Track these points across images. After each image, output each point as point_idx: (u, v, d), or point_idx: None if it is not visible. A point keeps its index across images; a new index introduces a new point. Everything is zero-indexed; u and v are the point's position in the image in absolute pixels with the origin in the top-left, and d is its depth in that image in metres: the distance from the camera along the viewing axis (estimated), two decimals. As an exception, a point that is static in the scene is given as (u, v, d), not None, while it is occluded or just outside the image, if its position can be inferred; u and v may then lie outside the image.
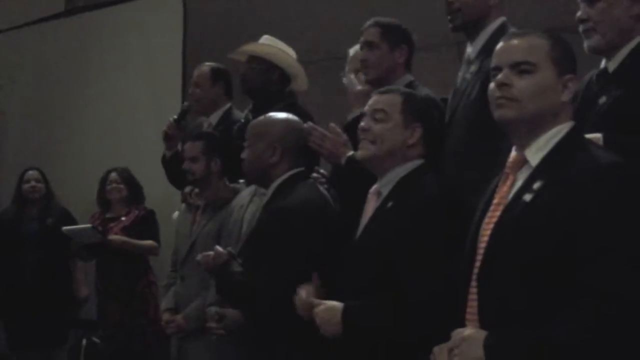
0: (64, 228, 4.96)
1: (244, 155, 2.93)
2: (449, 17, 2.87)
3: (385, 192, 2.45)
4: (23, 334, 5.16)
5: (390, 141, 2.44)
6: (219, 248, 2.91)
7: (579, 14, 2.45)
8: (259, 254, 2.73)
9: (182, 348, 3.75)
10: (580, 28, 2.45)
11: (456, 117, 2.76)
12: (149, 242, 5.01)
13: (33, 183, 5.31)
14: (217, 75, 4.32)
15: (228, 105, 4.33)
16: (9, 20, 6.77)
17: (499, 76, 1.97)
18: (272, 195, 2.84)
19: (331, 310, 2.36)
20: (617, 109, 2.29)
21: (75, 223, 5.30)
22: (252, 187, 3.41)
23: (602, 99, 2.34)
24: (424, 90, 3.13)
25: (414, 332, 2.22)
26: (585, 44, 2.43)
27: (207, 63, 4.40)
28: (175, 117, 4.26)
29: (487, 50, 2.62)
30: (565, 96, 1.96)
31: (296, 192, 2.75)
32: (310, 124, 2.96)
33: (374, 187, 2.50)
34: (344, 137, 2.89)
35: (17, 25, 6.71)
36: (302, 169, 2.87)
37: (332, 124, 2.93)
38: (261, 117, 2.98)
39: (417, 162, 2.47)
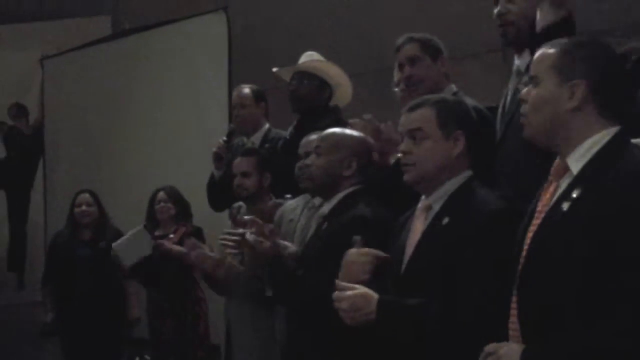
0: (113, 245, 5.00)
1: (311, 162, 2.91)
2: (501, 30, 2.77)
3: (437, 207, 2.34)
4: (79, 354, 5.21)
5: (435, 160, 2.32)
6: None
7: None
8: (326, 260, 2.55)
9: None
10: None
11: (512, 127, 2.63)
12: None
13: (84, 207, 5.33)
14: (258, 96, 4.42)
15: (267, 125, 4.41)
16: (56, 45, 6.91)
17: (523, 91, 2.00)
18: (336, 206, 2.82)
19: (366, 298, 2.24)
20: None
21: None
22: (301, 200, 3.40)
23: None
24: (467, 100, 3.11)
25: (446, 347, 2.15)
26: None
27: (246, 85, 4.49)
28: (225, 138, 4.33)
29: None
30: (572, 103, 1.93)
31: (362, 205, 2.69)
32: (369, 116, 2.92)
33: (423, 203, 2.40)
34: (398, 138, 2.75)
35: (64, 50, 6.84)
36: (365, 185, 2.83)
37: (389, 122, 2.84)
38: (336, 130, 2.94)
39: (466, 174, 2.37)
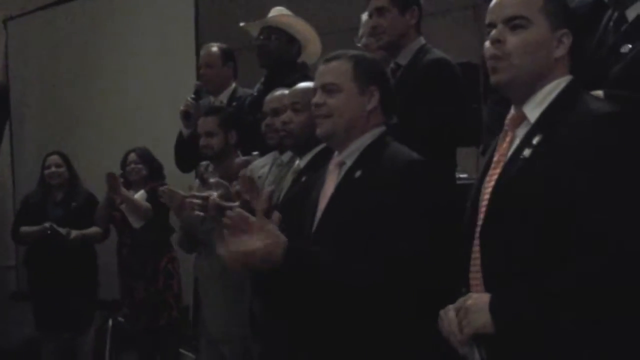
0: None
1: (289, 119, 2.87)
2: None
3: (349, 162, 2.33)
4: (50, 316, 5.21)
5: (348, 112, 2.31)
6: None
7: None
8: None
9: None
10: None
11: None
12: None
13: (53, 169, 5.31)
14: (226, 55, 4.38)
15: (234, 84, 4.39)
16: (20, 6, 6.78)
17: (493, 32, 1.93)
18: (312, 159, 2.83)
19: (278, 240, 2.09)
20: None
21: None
22: (268, 158, 3.38)
23: (625, 48, 2.20)
24: (436, 53, 3.09)
25: (404, 287, 2.13)
26: None
27: (214, 44, 4.44)
28: (193, 95, 4.28)
29: None
30: (560, 51, 1.92)
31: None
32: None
33: (335, 159, 2.38)
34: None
35: (29, 10, 6.70)
36: None
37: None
38: (310, 85, 2.86)
39: (380, 130, 2.36)
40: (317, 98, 2.34)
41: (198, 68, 5.16)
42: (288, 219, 2.55)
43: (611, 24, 2.30)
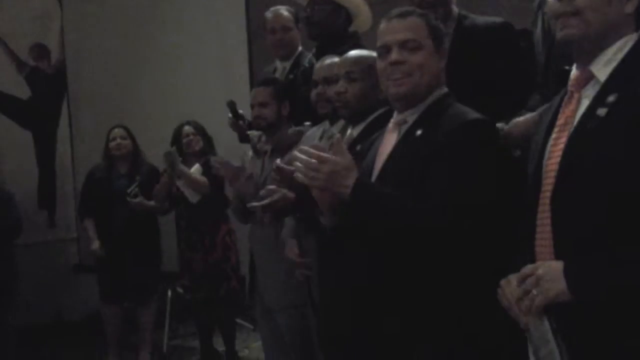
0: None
1: (344, 88, 2.84)
2: None
3: (410, 120, 2.27)
4: (115, 286, 5.31)
5: (429, 70, 2.24)
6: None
7: None
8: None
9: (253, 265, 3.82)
10: None
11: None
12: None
13: (119, 140, 5.40)
14: (296, 18, 4.26)
15: (300, 48, 4.28)
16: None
17: None
18: (365, 127, 2.79)
19: (349, 170, 2.09)
20: None
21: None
22: (319, 129, 3.38)
23: None
24: (478, 18, 3.06)
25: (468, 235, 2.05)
26: None
27: (280, 7, 4.30)
28: (230, 115, 4.25)
29: None
30: (629, 7, 1.86)
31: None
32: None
33: (396, 117, 2.32)
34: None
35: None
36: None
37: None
38: (363, 53, 2.87)
39: (443, 90, 2.32)
40: (396, 55, 2.23)
41: (250, 41, 5.19)
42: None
43: None
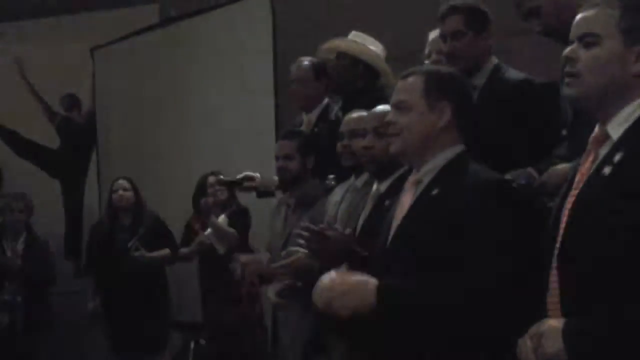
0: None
1: (372, 143, 2.88)
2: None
3: (426, 180, 2.26)
4: (125, 338, 5.32)
5: (417, 130, 2.25)
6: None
7: None
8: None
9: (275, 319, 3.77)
10: None
11: None
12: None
13: (121, 192, 5.44)
14: (318, 70, 4.22)
15: (326, 100, 4.26)
16: (104, 36, 6.98)
17: (566, 50, 1.93)
18: (393, 183, 2.80)
19: (364, 283, 2.11)
20: None
21: (168, 230, 5.49)
22: (345, 184, 3.37)
23: None
24: (512, 72, 3.04)
25: (478, 320, 2.05)
26: None
27: (306, 57, 4.30)
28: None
29: None
30: (636, 68, 1.85)
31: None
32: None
33: (412, 177, 2.33)
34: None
35: (112, 40, 6.90)
36: None
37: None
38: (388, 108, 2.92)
39: (457, 148, 2.29)
40: (390, 116, 2.32)
41: (276, 92, 5.21)
42: (371, 244, 2.54)
43: None
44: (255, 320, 5.05)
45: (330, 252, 2.63)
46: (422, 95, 2.26)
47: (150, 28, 6.78)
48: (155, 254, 5.31)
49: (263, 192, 4.23)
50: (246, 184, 4.15)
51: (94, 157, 7.12)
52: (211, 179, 5.21)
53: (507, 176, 2.50)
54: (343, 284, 2.13)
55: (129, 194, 5.45)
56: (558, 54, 2.11)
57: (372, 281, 2.12)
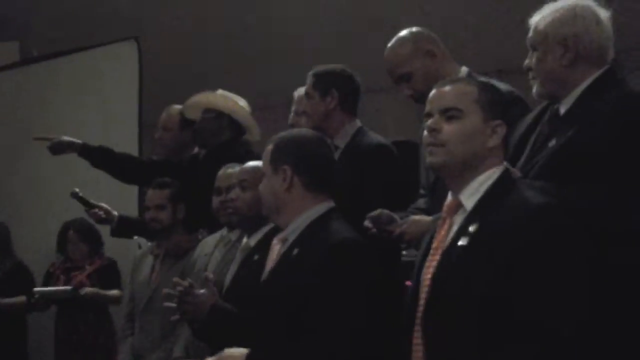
0: (36, 290, 4.97)
1: (236, 196, 3.00)
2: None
3: (290, 239, 2.38)
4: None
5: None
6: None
7: (526, 62, 2.46)
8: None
9: None
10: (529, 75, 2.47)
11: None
12: (116, 291, 4.96)
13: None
14: (186, 119, 4.24)
15: (195, 151, 4.28)
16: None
17: (429, 121, 2.06)
18: (262, 239, 2.91)
19: (233, 356, 2.26)
20: (565, 151, 2.27)
21: (29, 274, 5.31)
22: (216, 235, 3.43)
23: (552, 142, 2.32)
24: (373, 137, 3.23)
25: None
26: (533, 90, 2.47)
27: (176, 106, 4.32)
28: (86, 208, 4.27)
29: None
30: (493, 141, 2.03)
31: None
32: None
33: (278, 235, 2.45)
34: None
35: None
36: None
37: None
38: (259, 164, 2.91)
39: (326, 206, 2.39)
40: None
41: (141, 138, 5.20)
42: (240, 297, 2.69)
43: (546, 118, 2.43)
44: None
45: (198, 309, 2.65)
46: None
47: (10, 66, 6.55)
48: (8, 300, 5.13)
49: (117, 232, 4.21)
50: (96, 211, 4.16)
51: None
52: (70, 234, 5.10)
53: (369, 216, 2.65)
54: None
55: None
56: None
57: (242, 352, 2.25)
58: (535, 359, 1.81)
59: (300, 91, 3.46)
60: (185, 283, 2.63)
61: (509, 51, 3.97)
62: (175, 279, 2.69)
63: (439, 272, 1.98)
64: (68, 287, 4.92)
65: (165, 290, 2.70)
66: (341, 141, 3.23)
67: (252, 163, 3.04)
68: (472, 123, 2.02)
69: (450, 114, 2.04)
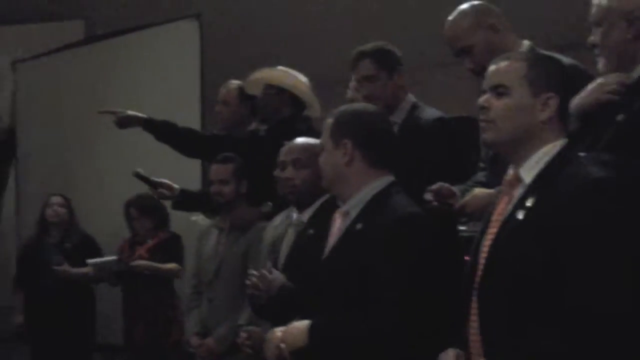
0: (88, 261, 5.09)
1: (292, 175, 3.02)
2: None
3: (353, 213, 2.41)
4: (47, 357, 5.26)
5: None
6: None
7: (590, 38, 2.45)
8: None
9: None
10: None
11: None
12: (173, 265, 5.00)
13: (55, 207, 5.41)
14: (244, 93, 4.32)
15: (253, 125, 4.36)
16: (29, 49, 6.87)
17: (481, 99, 2.09)
18: (315, 213, 2.94)
19: (297, 327, 2.33)
20: (632, 124, 2.25)
21: (97, 248, 5.43)
22: (282, 215, 3.45)
23: (620, 116, 2.29)
24: (429, 111, 3.23)
25: (393, 351, 2.22)
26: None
27: (235, 81, 4.41)
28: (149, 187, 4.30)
29: None
30: (545, 114, 2.03)
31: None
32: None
33: (339, 210, 2.48)
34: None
35: (37, 54, 6.80)
36: None
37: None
38: (310, 141, 3.03)
39: (385, 181, 2.42)
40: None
41: (203, 115, 5.27)
42: (299, 272, 2.71)
43: None
44: (171, 343, 4.97)
45: (268, 290, 2.74)
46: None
47: (75, 44, 6.71)
48: (76, 270, 5.27)
49: (178, 205, 4.26)
50: (160, 190, 4.18)
51: (12, 171, 6.97)
52: (132, 211, 5.16)
53: (430, 189, 2.67)
54: (282, 331, 2.34)
55: (63, 210, 5.43)
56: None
57: (305, 323, 2.31)
58: (583, 339, 1.81)
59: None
60: (257, 273, 2.76)
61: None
62: (250, 272, 2.82)
63: (495, 243, 2.01)
64: (114, 257, 5.05)
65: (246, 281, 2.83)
66: (397, 117, 3.25)
67: (301, 140, 3.07)
68: (519, 99, 2.03)
69: (499, 90, 2.06)
